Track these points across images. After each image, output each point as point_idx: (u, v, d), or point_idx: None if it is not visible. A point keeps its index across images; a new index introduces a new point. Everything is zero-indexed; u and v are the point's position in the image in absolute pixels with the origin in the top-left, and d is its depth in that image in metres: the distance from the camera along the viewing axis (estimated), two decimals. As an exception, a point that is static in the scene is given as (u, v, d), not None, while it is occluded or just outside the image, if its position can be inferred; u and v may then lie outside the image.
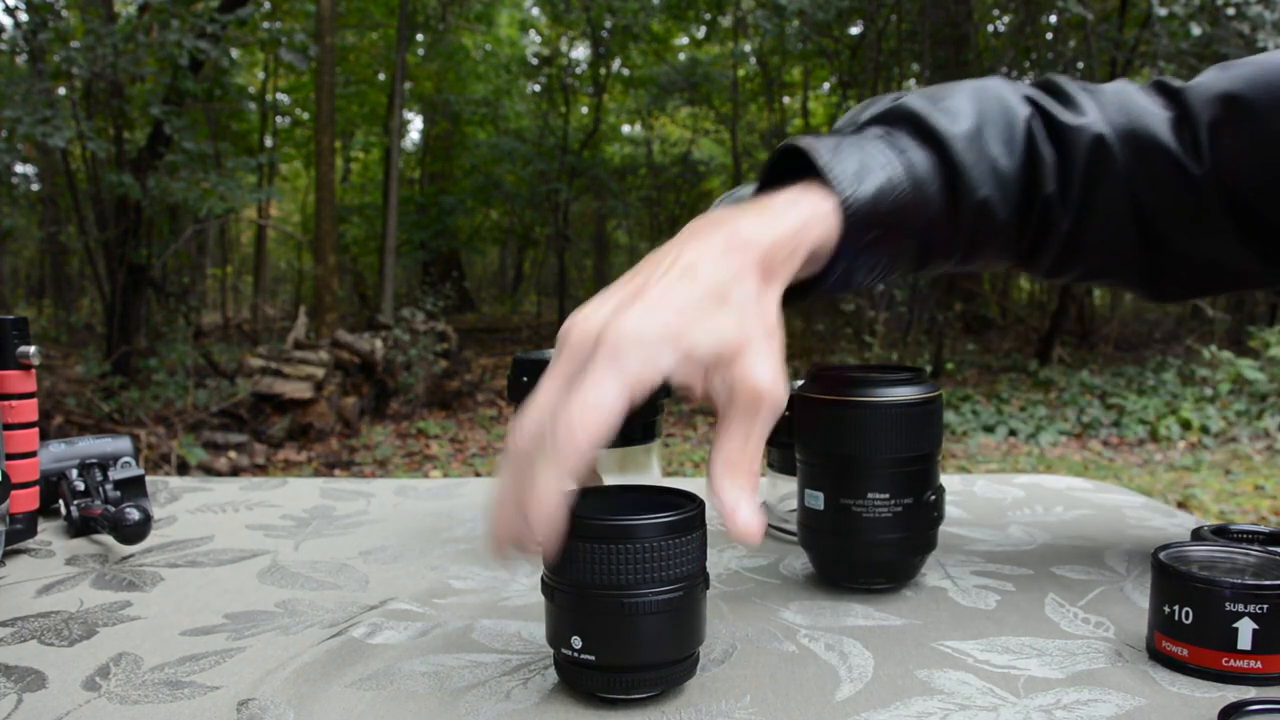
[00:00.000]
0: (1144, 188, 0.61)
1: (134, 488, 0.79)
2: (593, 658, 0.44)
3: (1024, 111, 0.61)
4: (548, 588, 0.46)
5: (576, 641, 0.45)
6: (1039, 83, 0.65)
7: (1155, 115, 0.61)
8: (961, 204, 0.57)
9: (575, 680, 0.46)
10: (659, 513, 0.44)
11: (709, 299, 0.45)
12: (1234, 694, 0.46)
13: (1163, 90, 0.63)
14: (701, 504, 0.46)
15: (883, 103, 0.61)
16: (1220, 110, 0.60)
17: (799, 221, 0.50)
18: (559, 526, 0.42)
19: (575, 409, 0.41)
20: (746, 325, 0.45)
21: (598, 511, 0.44)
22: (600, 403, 0.41)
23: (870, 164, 0.54)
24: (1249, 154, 0.59)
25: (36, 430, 0.71)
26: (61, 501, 0.77)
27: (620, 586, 0.43)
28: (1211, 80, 0.61)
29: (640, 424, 0.69)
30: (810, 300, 0.57)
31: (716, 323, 0.44)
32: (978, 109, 0.60)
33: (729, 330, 0.45)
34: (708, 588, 0.47)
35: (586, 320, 0.44)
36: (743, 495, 0.43)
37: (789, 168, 0.56)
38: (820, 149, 0.54)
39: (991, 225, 0.59)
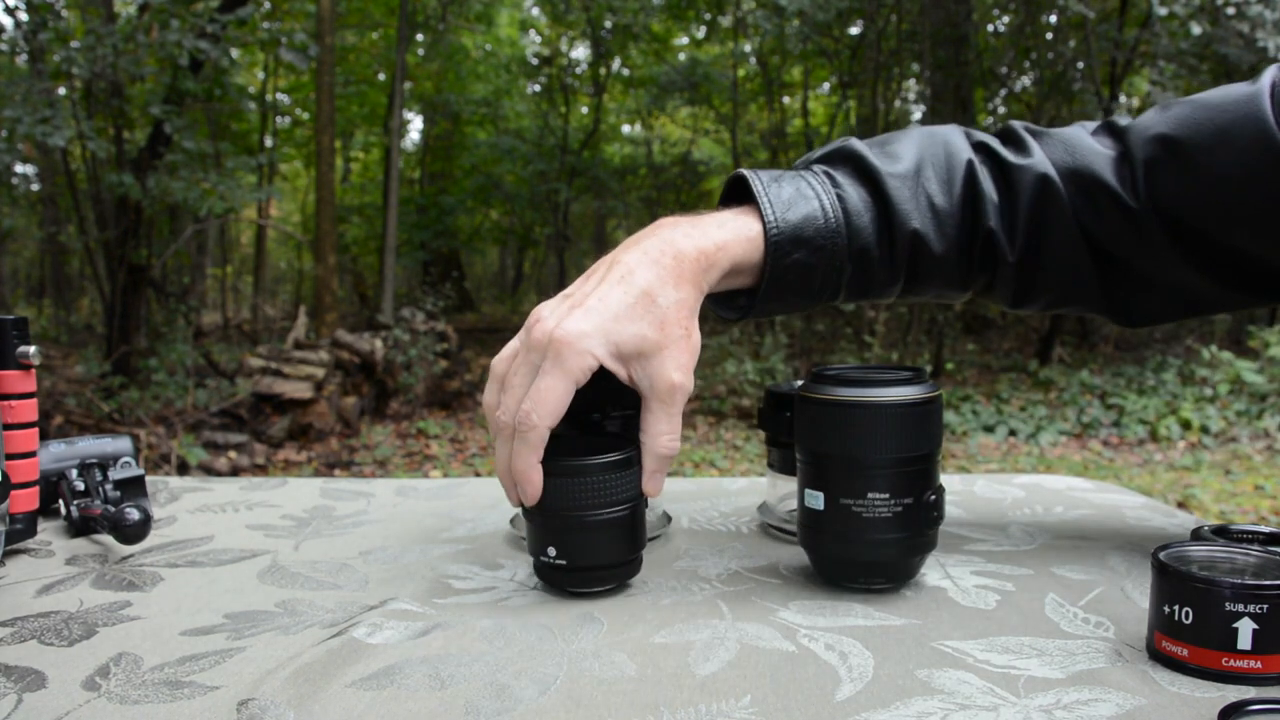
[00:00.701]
0: (1090, 220, 0.66)
1: (134, 488, 0.79)
2: (564, 561, 0.59)
3: (966, 155, 0.67)
4: (528, 511, 0.59)
5: (551, 550, 0.59)
6: (999, 130, 0.71)
7: (1099, 154, 0.66)
8: (895, 234, 0.64)
9: (550, 579, 0.61)
10: (608, 454, 0.58)
11: (639, 303, 0.57)
12: (1234, 694, 0.46)
13: (1110, 131, 0.68)
14: (639, 445, 0.60)
15: (832, 145, 0.68)
16: (1155, 150, 0.64)
17: (723, 239, 0.60)
18: (539, 488, 0.57)
19: (532, 401, 0.56)
20: (667, 328, 0.58)
21: (565, 454, 0.58)
22: (547, 394, 0.56)
23: (804, 194, 0.63)
24: (1183, 188, 0.64)
25: (36, 430, 0.71)
26: (61, 501, 0.77)
27: (582, 508, 0.58)
28: (1150, 121, 0.66)
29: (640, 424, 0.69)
30: (759, 310, 0.65)
31: (641, 325, 0.57)
32: (920, 153, 0.66)
33: (651, 331, 0.57)
34: (646, 506, 0.62)
35: (544, 320, 0.57)
36: (661, 471, 0.59)
37: (743, 193, 0.65)
38: (760, 179, 0.64)
39: (928, 256, 0.66)
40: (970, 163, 0.67)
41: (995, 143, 0.69)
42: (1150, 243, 0.66)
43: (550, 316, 0.58)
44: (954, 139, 0.68)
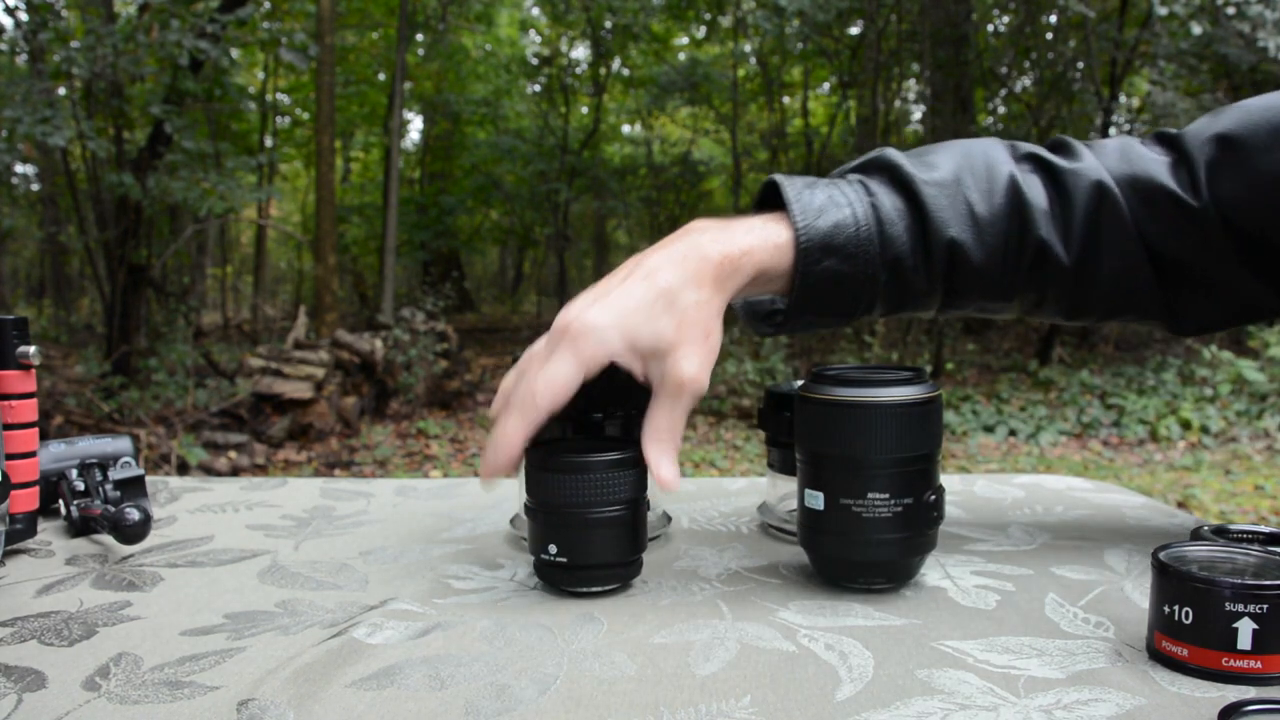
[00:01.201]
0: (1149, 226, 0.66)
1: (134, 488, 0.79)
2: (564, 560, 0.59)
3: (1008, 167, 0.66)
4: (530, 509, 0.60)
5: (552, 548, 0.59)
6: (1049, 142, 0.70)
7: (1155, 161, 0.66)
8: (931, 243, 0.63)
9: (550, 578, 0.61)
10: (610, 452, 0.59)
11: (659, 301, 0.57)
12: (1234, 694, 0.46)
13: (1161, 139, 0.69)
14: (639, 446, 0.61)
15: (868, 155, 0.67)
16: (1215, 150, 0.65)
17: (749, 244, 0.60)
18: (513, 459, 0.58)
19: (537, 379, 0.57)
20: (685, 326, 0.58)
21: (567, 453, 0.59)
22: (555, 376, 0.57)
23: (836, 201, 0.62)
24: (1243, 188, 0.64)
25: (36, 430, 0.71)
26: (61, 501, 0.77)
27: (583, 505, 0.58)
28: (1205, 125, 0.67)
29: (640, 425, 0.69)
30: (792, 323, 0.64)
31: (659, 322, 0.57)
32: (958, 162, 0.65)
33: (668, 329, 0.57)
34: (649, 509, 0.62)
35: (567, 312, 0.58)
36: (664, 456, 0.58)
37: (775, 200, 0.65)
38: (792, 185, 0.63)
39: (967, 266, 0.64)
40: (1012, 174, 0.66)
41: (1044, 151, 0.68)
42: (1210, 245, 0.65)
43: (572, 309, 0.58)
44: (994, 150, 0.67)
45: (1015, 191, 0.65)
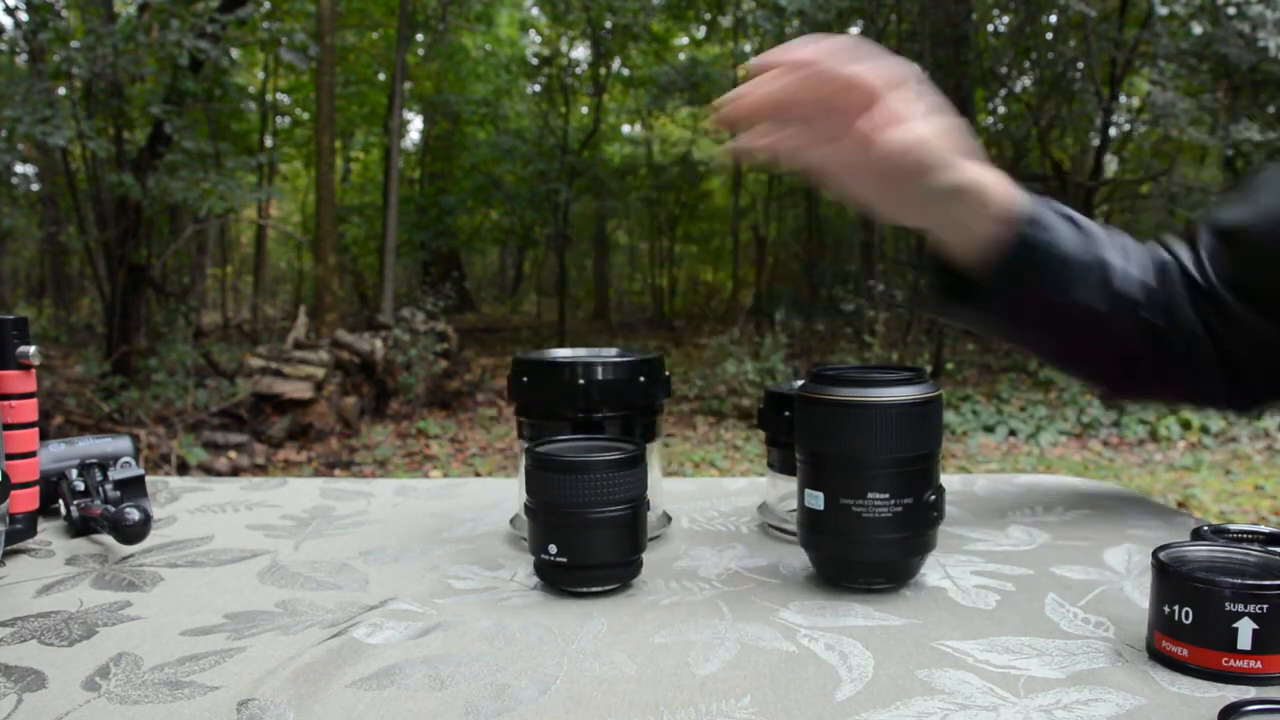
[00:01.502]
0: (1192, 305, 0.73)
1: (134, 488, 0.79)
2: (564, 560, 0.59)
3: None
4: (530, 509, 0.61)
5: (552, 548, 0.59)
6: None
7: (1182, 248, 0.76)
8: (1092, 259, 0.68)
9: (550, 578, 0.61)
10: (610, 452, 0.60)
11: (920, 97, 0.62)
12: (1234, 694, 0.46)
13: (1184, 233, 0.78)
14: (641, 446, 0.62)
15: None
16: (1211, 238, 0.74)
17: (998, 175, 0.66)
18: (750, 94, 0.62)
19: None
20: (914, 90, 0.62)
21: (567, 453, 0.61)
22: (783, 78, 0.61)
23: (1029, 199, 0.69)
24: (1245, 266, 0.72)
25: (36, 430, 0.71)
26: (61, 501, 0.77)
27: (583, 505, 0.58)
28: (1210, 217, 0.76)
29: (640, 424, 0.69)
30: (995, 290, 0.68)
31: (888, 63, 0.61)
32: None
33: (891, 73, 0.61)
34: (649, 509, 0.63)
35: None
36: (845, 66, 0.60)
37: None
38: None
39: (1112, 289, 0.69)
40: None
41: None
42: (1233, 322, 0.72)
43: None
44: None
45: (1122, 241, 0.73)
